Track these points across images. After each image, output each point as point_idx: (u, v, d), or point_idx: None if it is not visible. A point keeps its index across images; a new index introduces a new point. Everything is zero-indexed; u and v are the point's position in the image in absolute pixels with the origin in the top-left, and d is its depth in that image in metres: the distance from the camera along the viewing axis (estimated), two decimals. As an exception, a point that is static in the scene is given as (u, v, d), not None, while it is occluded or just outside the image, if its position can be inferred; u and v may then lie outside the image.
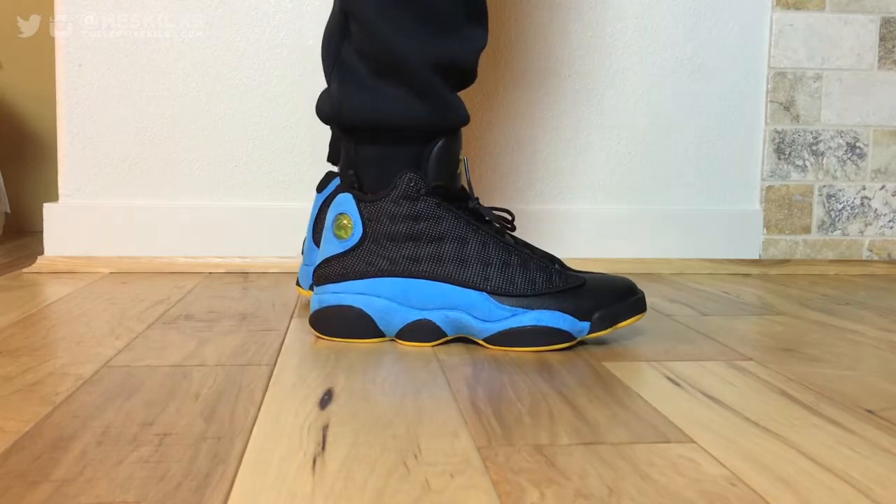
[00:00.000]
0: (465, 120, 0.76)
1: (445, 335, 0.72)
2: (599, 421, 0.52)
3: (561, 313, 0.71)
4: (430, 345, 0.73)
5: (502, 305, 0.71)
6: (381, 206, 0.73)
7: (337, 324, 0.74)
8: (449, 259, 0.72)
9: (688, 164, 1.24)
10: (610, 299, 0.72)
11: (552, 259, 0.76)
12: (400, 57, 0.71)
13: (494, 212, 0.77)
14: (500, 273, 0.72)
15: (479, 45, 0.75)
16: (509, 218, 0.78)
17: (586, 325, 0.71)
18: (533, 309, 0.71)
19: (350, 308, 0.73)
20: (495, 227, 0.75)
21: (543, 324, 0.70)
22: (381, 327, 0.73)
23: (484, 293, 0.71)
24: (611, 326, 0.72)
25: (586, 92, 1.21)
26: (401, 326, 0.73)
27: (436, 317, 0.72)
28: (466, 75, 0.76)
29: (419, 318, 0.72)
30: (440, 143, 0.74)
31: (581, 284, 0.72)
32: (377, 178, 0.74)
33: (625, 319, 0.72)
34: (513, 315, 0.71)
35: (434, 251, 0.72)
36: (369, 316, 0.73)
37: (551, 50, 1.20)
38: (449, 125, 0.75)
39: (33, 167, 1.84)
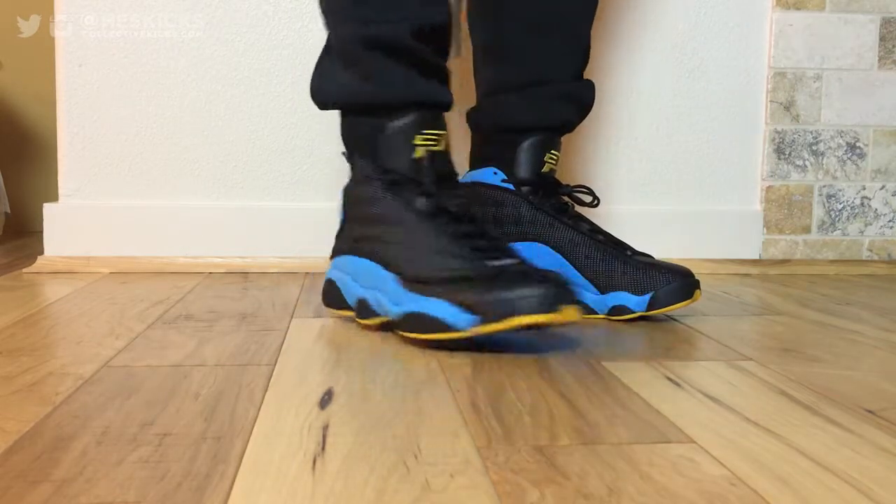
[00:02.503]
0: (403, 98, 0.75)
1: (378, 315, 0.74)
2: (599, 421, 0.52)
3: (449, 304, 0.67)
4: (373, 323, 0.75)
5: (404, 290, 0.70)
6: (349, 190, 0.80)
7: (326, 295, 0.82)
8: (384, 241, 0.75)
9: (688, 164, 1.24)
10: (515, 292, 0.65)
11: (494, 247, 0.71)
12: (334, 35, 0.78)
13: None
14: (419, 257, 0.71)
15: (415, 22, 0.74)
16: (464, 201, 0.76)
17: (475, 318, 0.66)
18: (427, 296, 0.68)
19: (329, 282, 0.81)
20: (443, 212, 0.73)
21: (428, 312, 0.68)
22: (348, 301, 0.78)
23: (396, 275, 0.72)
24: (501, 320, 0.65)
25: (586, 92, 1.21)
26: (352, 303, 0.78)
27: (370, 296, 0.75)
28: (402, 52, 0.75)
29: (361, 296, 0.76)
30: (389, 124, 0.75)
31: (496, 275, 0.67)
32: (348, 158, 0.80)
33: (521, 315, 0.65)
34: (410, 301, 0.70)
35: (376, 233, 0.76)
36: (339, 289, 0.79)
37: (551, 50, 1.20)
38: (385, 102, 0.75)
39: (33, 167, 1.84)
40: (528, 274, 0.67)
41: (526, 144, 0.90)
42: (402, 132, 0.75)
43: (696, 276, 0.84)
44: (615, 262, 0.84)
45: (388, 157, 0.76)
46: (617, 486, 0.42)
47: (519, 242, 0.89)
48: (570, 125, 0.93)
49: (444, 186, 0.76)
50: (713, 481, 0.42)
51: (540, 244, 0.87)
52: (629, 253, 0.86)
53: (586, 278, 0.85)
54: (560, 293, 0.66)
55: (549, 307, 0.65)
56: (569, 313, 0.66)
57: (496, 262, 0.69)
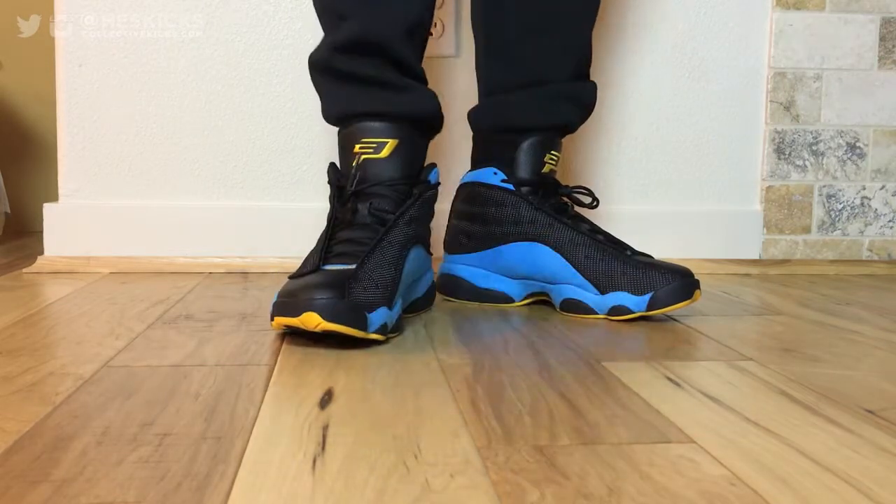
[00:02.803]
0: (333, 117, 0.85)
1: None
2: (599, 421, 0.52)
3: (275, 296, 0.72)
4: None
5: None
6: None
7: None
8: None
9: (688, 164, 1.24)
10: (299, 291, 0.70)
11: (349, 252, 0.74)
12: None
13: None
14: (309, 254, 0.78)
15: (334, 40, 0.82)
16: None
17: (273, 311, 0.71)
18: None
19: None
20: (346, 218, 0.79)
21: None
22: None
23: None
24: (277, 317, 0.70)
25: (586, 92, 1.21)
26: None
27: None
28: (332, 71, 0.82)
29: None
30: (340, 134, 0.84)
31: (308, 276, 0.72)
32: None
33: (282, 316, 0.69)
34: None
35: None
36: None
37: (551, 50, 1.20)
38: (333, 117, 0.85)
39: (33, 167, 1.84)
40: (319, 283, 0.69)
41: (526, 145, 0.90)
42: (346, 141, 0.83)
43: (696, 276, 0.84)
44: (615, 262, 0.84)
45: (340, 163, 0.83)
46: (617, 486, 0.42)
47: (519, 242, 0.89)
48: (571, 125, 0.93)
49: (366, 192, 0.80)
50: (713, 481, 0.42)
51: (540, 244, 0.87)
52: (629, 253, 0.86)
53: (586, 278, 0.85)
54: (299, 302, 0.68)
55: (295, 312, 0.68)
56: (306, 319, 0.67)
57: (327, 266, 0.73)
